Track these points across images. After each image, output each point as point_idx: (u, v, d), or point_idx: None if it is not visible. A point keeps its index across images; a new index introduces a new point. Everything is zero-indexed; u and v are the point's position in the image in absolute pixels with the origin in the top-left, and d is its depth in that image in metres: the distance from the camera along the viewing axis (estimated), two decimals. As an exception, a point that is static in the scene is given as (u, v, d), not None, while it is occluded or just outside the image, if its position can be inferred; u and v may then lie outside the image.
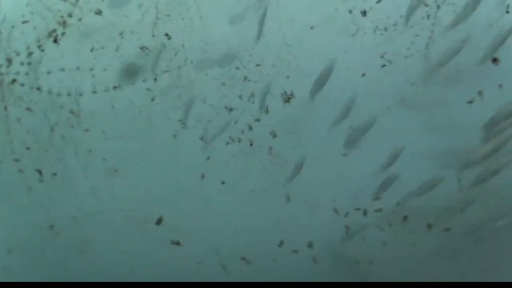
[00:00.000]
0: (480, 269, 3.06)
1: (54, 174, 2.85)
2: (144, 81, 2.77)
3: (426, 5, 2.79)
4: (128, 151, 2.81)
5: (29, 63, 2.70)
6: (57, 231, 2.92)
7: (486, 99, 2.82)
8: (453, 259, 3.04)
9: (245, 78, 2.81)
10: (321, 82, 2.87)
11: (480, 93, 2.82)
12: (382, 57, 2.81)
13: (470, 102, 2.84)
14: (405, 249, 3.03)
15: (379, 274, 3.06)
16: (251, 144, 2.88)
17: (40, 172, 2.84)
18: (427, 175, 2.93)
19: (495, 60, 2.80)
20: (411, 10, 2.78)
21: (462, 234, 3.02)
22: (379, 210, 2.98)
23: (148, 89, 2.76)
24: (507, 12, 2.76)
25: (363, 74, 2.85)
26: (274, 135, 2.88)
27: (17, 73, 2.71)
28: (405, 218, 2.99)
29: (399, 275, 3.06)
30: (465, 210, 2.95)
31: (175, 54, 2.76)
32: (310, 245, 3.01)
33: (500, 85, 2.81)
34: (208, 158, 2.87)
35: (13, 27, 2.68)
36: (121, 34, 2.73)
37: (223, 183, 2.92)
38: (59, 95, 2.74)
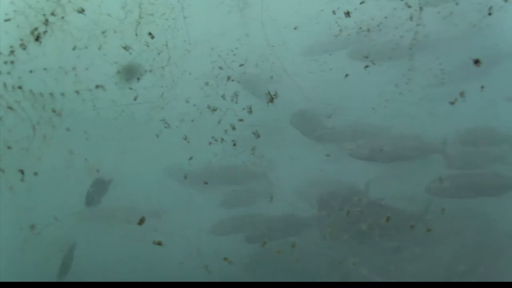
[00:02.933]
0: (462, 269, 3.07)
1: (36, 174, 2.82)
2: (126, 80, 2.76)
3: (410, 7, 2.80)
4: (110, 151, 2.80)
5: (11, 62, 2.68)
6: (38, 230, 2.90)
7: (468, 100, 2.84)
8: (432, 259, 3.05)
9: (229, 78, 2.80)
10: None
11: (462, 94, 2.84)
12: (366, 57, 2.82)
13: (453, 103, 2.85)
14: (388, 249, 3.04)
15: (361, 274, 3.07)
16: (234, 144, 2.88)
17: (21, 171, 2.81)
18: (408, 175, 2.95)
19: (477, 62, 2.82)
20: None
21: (444, 235, 3.04)
22: (361, 211, 2.99)
23: (130, 89, 2.75)
24: (490, 14, 2.78)
25: (347, 75, 2.86)
26: (257, 136, 2.88)
27: (-1, 72, 2.69)
28: (388, 218, 3.00)
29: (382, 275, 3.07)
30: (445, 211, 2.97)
31: (158, 53, 2.75)
32: (293, 245, 3.01)
33: (482, 87, 2.82)
34: (191, 158, 2.86)
35: (-5, 25, 2.66)
36: (104, 33, 2.71)
37: (206, 183, 2.92)
38: (41, 94, 2.72)
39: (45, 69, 2.72)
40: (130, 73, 2.68)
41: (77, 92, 2.70)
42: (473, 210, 3.07)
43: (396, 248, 3.01)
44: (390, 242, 2.96)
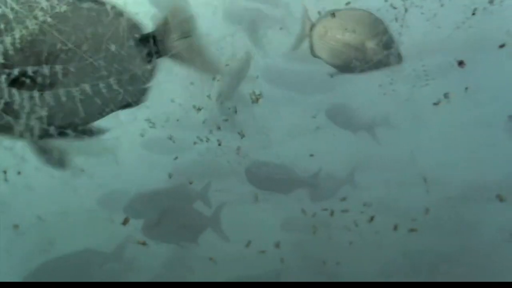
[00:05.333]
0: (447, 269, 3.09)
1: (19, 173, 2.80)
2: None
3: (395, 8, 2.81)
4: (95, 150, 2.79)
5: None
6: (22, 230, 2.89)
7: (452, 101, 2.85)
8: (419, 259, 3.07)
9: (214, 77, 2.80)
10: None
11: (446, 95, 2.85)
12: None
13: (436, 104, 2.87)
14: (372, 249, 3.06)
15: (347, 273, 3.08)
16: (219, 144, 2.87)
17: (4, 171, 2.79)
18: (393, 175, 2.97)
19: (461, 63, 2.84)
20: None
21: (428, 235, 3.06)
22: (346, 211, 3.00)
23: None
24: (473, 14, 2.80)
25: (331, 76, 2.86)
26: (242, 135, 2.88)
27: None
28: (372, 218, 3.01)
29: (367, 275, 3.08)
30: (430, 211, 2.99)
31: (144, 53, 2.74)
32: (277, 245, 3.02)
33: (466, 88, 2.84)
34: (176, 158, 2.86)
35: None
36: (88, 32, 2.70)
37: (190, 183, 2.92)
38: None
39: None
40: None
41: (61, 91, 2.67)
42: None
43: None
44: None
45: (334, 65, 2.11)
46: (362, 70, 2.01)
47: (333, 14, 2.12)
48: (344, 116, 3.02)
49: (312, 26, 2.17)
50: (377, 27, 1.98)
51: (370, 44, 1.96)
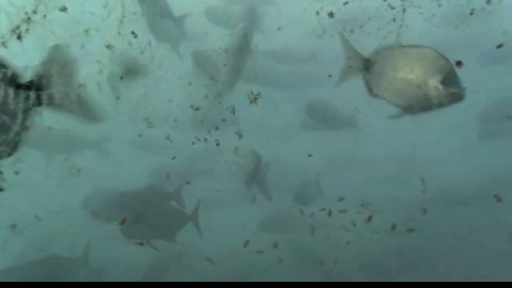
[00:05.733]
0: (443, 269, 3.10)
1: (16, 173, 2.80)
2: (109, 79, 2.74)
3: (393, 8, 2.81)
4: (92, 150, 2.78)
5: (-8, 60, 2.65)
6: (20, 230, 2.88)
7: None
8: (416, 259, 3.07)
9: (212, 77, 2.80)
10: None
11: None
12: (349, 58, 2.82)
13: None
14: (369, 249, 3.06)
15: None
16: (217, 144, 2.87)
17: (1, 171, 2.78)
18: (391, 176, 2.97)
19: (459, 64, 2.83)
20: None
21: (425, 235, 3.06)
22: (344, 211, 3.00)
23: (113, 88, 2.73)
24: (471, 14, 2.80)
25: (330, 76, 2.86)
26: (240, 136, 2.87)
27: (-22, 70, 2.66)
28: (370, 218, 3.01)
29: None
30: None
31: (141, 52, 2.73)
32: (275, 245, 3.01)
33: (464, 88, 2.84)
34: (173, 158, 2.85)
35: (-25, 23, 2.63)
36: (86, 31, 2.69)
37: (188, 183, 2.91)
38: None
39: (26, 67, 2.69)
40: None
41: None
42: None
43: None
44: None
45: (397, 105, 1.95)
46: (425, 111, 1.88)
47: (393, 49, 1.96)
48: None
49: (367, 62, 2.02)
50: (440, 64, 1.83)
51: (433, 82, 1.82)
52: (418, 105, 1.87)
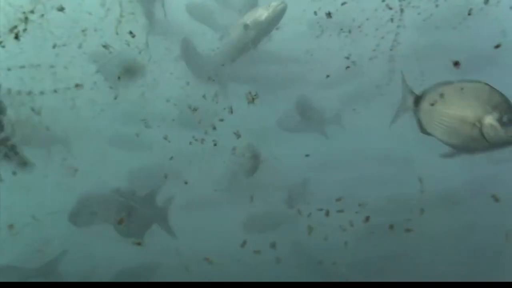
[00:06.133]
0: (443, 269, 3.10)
1: (14, 173, 2.79)
2: (106, 79, 2.74)
3: (391, 9, 2.81)
4: (90, 150, 2.78)
5: (-11, 60, 2.64)
6: (17, 230, 2.88)
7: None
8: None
9: (209, 77, 2.80)
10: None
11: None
12: (347, 58, 2.83)
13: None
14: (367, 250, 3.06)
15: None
16: (215, 144, 2.87)
17: (-2, 171, 2.78)
18: (389, 176, 2.97)
19: (456, 64, 2.83)
20: None
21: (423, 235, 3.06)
22: (341, 211, 3.00)
23: (110, 88, 2.73)
24: (469, 14, 2.80)
25: (328, 76, 2.86)
26: (238, 136, 2.87)
27: (-24, 70, 2.66)
28: (367, 218, 3.01)
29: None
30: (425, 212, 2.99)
31: (139, 52, 2.73)
32: (273, 245, 3.01)
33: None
34: (171, 158, 2.85)
35: (-28, 22, 2.62)
36: (84, 31, 2.69)
37: (186, 183, 2.91)
38: (19, 92, 2.69)
39: (23, 67, 2.69)
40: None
41: (56, 91, 2.67)
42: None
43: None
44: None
45: (450, 144, 1.88)
46: (481, 150, 1.81)
47: (444, 86, 1.88)
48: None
49: (417, 98, 1.97)
50: (495, 99, 1.74)
51: (489, 120, 1.71)
52: (473, 143, 1.79)
